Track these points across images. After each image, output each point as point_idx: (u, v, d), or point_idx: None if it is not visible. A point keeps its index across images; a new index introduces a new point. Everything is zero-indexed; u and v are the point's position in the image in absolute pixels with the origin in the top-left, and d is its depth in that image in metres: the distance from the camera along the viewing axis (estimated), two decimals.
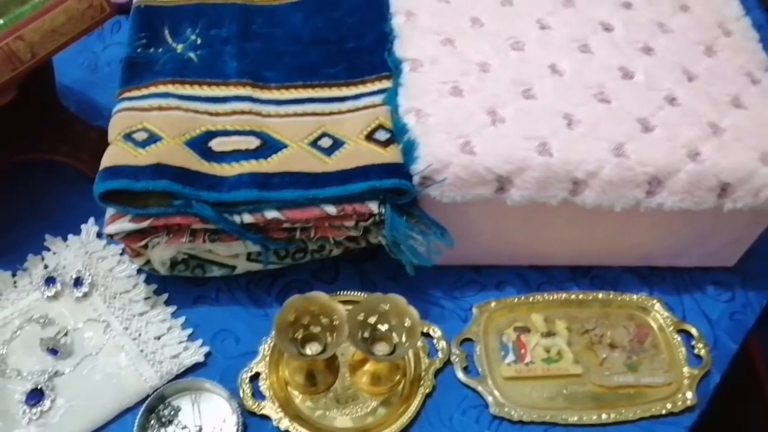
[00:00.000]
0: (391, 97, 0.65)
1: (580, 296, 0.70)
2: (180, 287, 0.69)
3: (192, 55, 0.70)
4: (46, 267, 0.69)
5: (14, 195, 0.74)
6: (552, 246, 0.69)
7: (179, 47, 0.71)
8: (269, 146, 0.63)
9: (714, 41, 0.71)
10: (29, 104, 0.70)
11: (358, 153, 0.62)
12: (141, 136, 0.61)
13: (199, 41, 0.71)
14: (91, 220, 0.72)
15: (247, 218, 0.60)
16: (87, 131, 0.76)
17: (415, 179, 0.60)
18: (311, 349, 0.61)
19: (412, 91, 0.64)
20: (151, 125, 0.62)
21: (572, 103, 0.64)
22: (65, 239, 0.71)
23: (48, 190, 0.75)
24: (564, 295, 0.70)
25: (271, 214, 0.60)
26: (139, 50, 0.70)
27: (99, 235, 0.71)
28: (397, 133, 0.62)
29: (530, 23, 0.71)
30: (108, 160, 0.60)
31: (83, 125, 0.77)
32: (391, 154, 0.62)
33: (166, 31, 0.72)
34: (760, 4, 1.02)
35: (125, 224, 0.59)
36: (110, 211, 0.60)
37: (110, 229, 0.60)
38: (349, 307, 0.61)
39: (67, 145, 0.75)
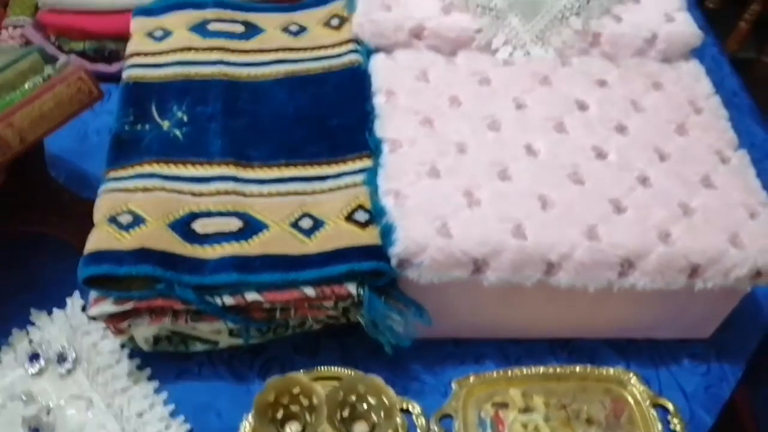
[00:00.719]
0: (370, 179, 0.67)
1: (558, 370, 0.71)
2: (163, 361, 0.69)
3: (178, 132, 0.72)
4: (30, 342, 0.69)
5: (1, 266, 0.75)
6: (530, 321, 0.71)
7: (166, 124, 0.73)
8: (251, 227, 0.64)
9: (685, 119, 0.74)
10: (17, 177, 0.71)
11: (338, 234, 0.64)
12: (125, 219, 0.63)
13: (185, 118, 0.73)
14: (76, 293, 0.73)
15: (228, 300, 0.61)
16: (75, 203, 0.77)
17: (393, 262, 0.61)
18: (291, 428, 0.62)
19: (391, 172, 0.66)
20: (136, 207, 0.64)
21: (547, 184, 0.66)
22: (51, 312, 0.72)
23: (35, 261, 0.76)
24: (542, 369, 0.71)
25: (251, 296, 0.61)
26: (126, 127, 0.72)
27: (84, 308, 0.72)
28: (375, 215, 0.64)
29: (507, 102, 0.73)
30: (92, 244, 0.61)
31: (71, 197, 0.78)
32: (370, 236, 0.63)
33: (154, 108, 0.74)
34: (734, 70, 1.05)
35: (108, 307, 0.60)
36: (94, 294, 0.61)
37: (93, 311, 0.61)
38: (330, 383, 0.62)
39: (55, 218, 0.76)
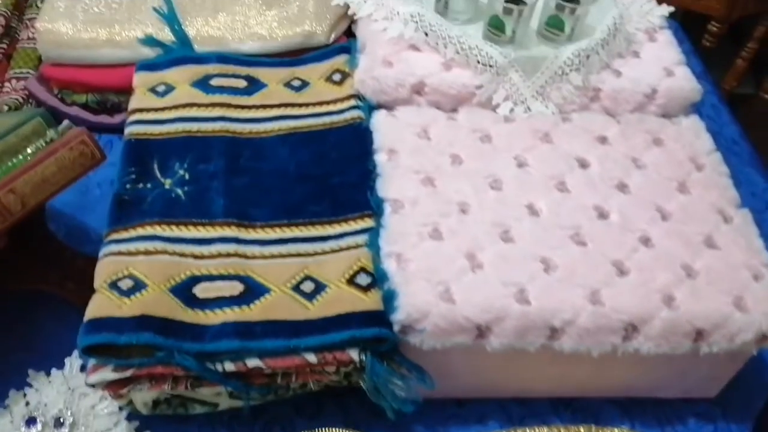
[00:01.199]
0: (372, 241, 0.66)
1: (562, 430, 0.70)
2: (162, 423, 0.69)
3: (180, 191, 0.72)
4: (27, 404, 0.68)
5: None
6: (533, 381, 0.70)
7: (167, 182, 0.73)
8: (252, 291, 0.64)
9: (686, 177, 0.74)
10: (16, 235, 0.71)
11: (339, 298, 0.63)
12: (126, 284, 0.62)
13: (187, 176, 0.73)
14: (75, 353, 0.72)
15: (229, 366, 0.60)
16: (74, 259, 0.77)
17: (396, 328, 0.61)
18: None
19: (393, 234, 0.66)
20: (137, 271, 0.63)
21: (549, 246, 0.66)
22: (49, 373, 0.71)
23: (33, 319, 0.76)
24: (546, 429, 0.70)
25: (252, 362, 0.60)
26: (128, 186, 0.72)
27: (82, 368, 0.71)
28: (378, 280, 0.64)
29: (508, 160, 0.74)
30: (92, 311, 0.61)
31: (71, 253, 0.78)
32: (372, 300, 0.63)
33: (156, 166, 0.74)
34: (733, 119, 1.05)
35: (107, 374, 0.60)
36: (92, 361, 0.61)
37: (92, 379, 0.60)
38: None
39: (55, 275, 0.75)
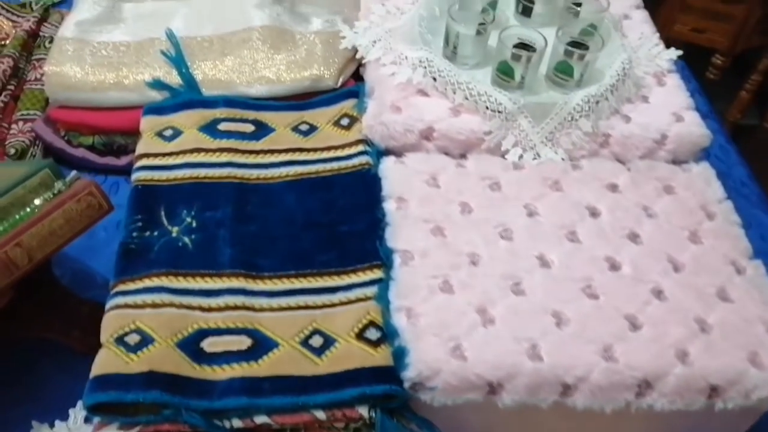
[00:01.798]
0: (382, 294, 0.66)
1: None
2: None
3: (187, 239, 0.71)
4: None
5: (1, 373, 0.74)
6: None
7: (174, 230, 0.72)
8: (261, 346, 0.63)
9: (698, 226, 0.73)
10: (20, 282, 0.70)
11: (349, 354, 0.62)
12: (133, 339, 0.62)
13: (194, 224, 0.73)
14: (79, 404, 0.71)
15: (237, 423, 0.60)
16: (80, 307, 0.76)
17: (406, 385, 0.60)
18: None
19: (402, 287, 0.65)
20: (144, 325, 0.63)
21: (561, 299, 0.65)
22: (52, 425, 0.70)
23: (37, 368, 0.75)
24: None
25: (260, 419, 0.60)
26: (134, 234, 0.72)
27: (86, 419, 0.70)
28: (388, 335, 0.63)
29: (518, 209, 0.73)
30: (99, 367, 0.60)
31: (76, 300, 0.77)
32: (382, 356, 0.62)
33: (162, 213, 0.74)
34: (741, 159, 1.05)
35: None
36: (97, 418, 0.60)
37: None
38: None
39: (59, 323, 0.75)
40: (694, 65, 1.17)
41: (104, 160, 0.90)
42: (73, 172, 0.65)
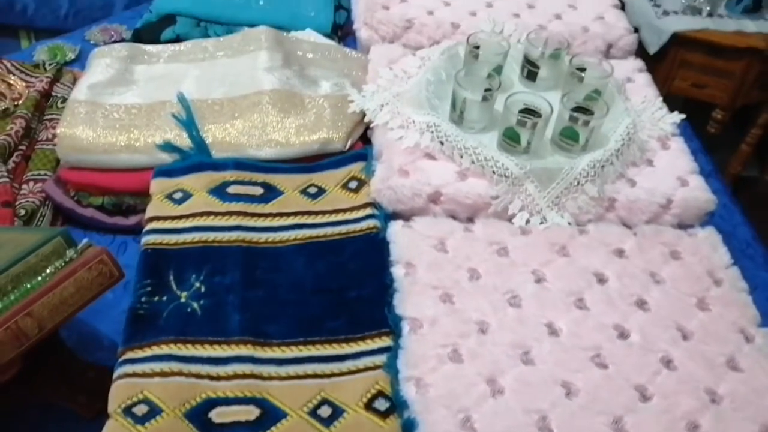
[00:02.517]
0: (391, 363, 0.66)
1: None
2: None
3: (195, 305, 0.71)
4: None
5: None
6: None
7: (183, 295, 0.73)
8: (269, 416, 0.63)
9: (705, 293, 0.73)
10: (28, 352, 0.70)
11: (357, 425, 0.62)
12: (141, 409, 0.61)
13: (203, 289, 0.73)
14: None
15: None
16: (85, 370, 0.76)
17: None
18: None
19: (411, 357, 0.65)
20: (152, 395, 0.62)
21: (570, 369, 0.65)
22: None
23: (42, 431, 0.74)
24: None
25: None
26: (143, 299, 0.72)
27: None
28: (397, 406, 0.62)
29: (526, 275, 0.73)
30: None
31: (82, 365, 0.77)
32: (391, 427, 0.62)
33: (171, 277, 0.74)
34: (745, 219, 1.05)
35: None
36: None
37: None
38: None
39: (65, 387, 0.74)
40: (694, 119, 1.18)
41: (113, 219, 0.91)
42: (85, 240, 0.66)
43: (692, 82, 1.67)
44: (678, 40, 1.59)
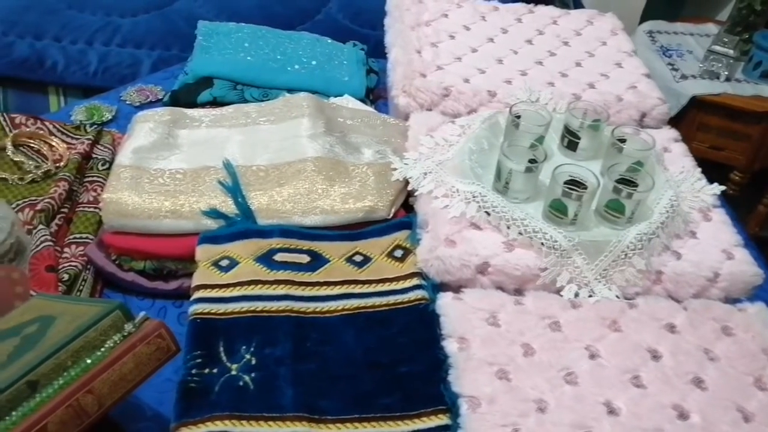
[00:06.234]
0: None
1: None
2: None
3: (247, 378, 0.70)
4: None
5: None
6: None
7: (234, 368, 0.72)
8: None
9: (762, 371, 0.73)
10: None
11: None
12: None
13: (253, 361, 0.72)
14: None
15: None
16: None
17: None
18: None
19: None
20: None
21: None
22: None
23: None
24: None
25: None
26: (194, 371, 0.71)
27: None
28: None
29: (580, 351, 0.73)
30: None
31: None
32: None
33: (221, 349, 0.73)
34: None
35: None
36: None
37: None
38: None
39: None
40: (712, 180, 1.19)
41: (153, 284, 0.90)
42: (142, 313, 0.65)
43: (710, 144, 1.70)
44: (696, 103, 1.62)
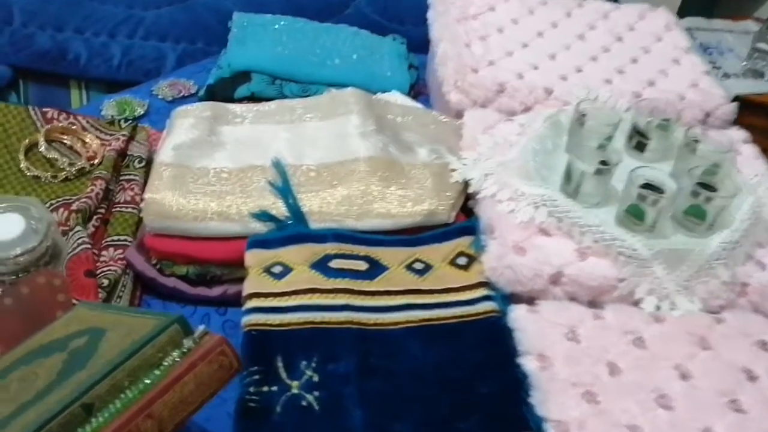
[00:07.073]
0: None
1: None
2: None
3: (311, 398, 0.65)
4: None
5: None
6: None
7: (295, 385, 0.66)
8: None
9: None
10: None
11: None
12: None
13: (315, 378, 0.67)
14: None
15: None
16: None
17: None
18: None
19: None
20: None
21: None
22: None
23: None
24: None
25: None
26: (252, 389, 0.66)
27: None
28: None
29: (669, 371, 0.67)
30: None
31: None
32: None
33: (280, 364, 0.68)
34: None
35: None
36: None
37: None
38: None
39: None
40: None
41: (196, 290, 0.85)
42: (201, 327, 0.60)
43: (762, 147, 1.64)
44: (740, 103, 1.56)
